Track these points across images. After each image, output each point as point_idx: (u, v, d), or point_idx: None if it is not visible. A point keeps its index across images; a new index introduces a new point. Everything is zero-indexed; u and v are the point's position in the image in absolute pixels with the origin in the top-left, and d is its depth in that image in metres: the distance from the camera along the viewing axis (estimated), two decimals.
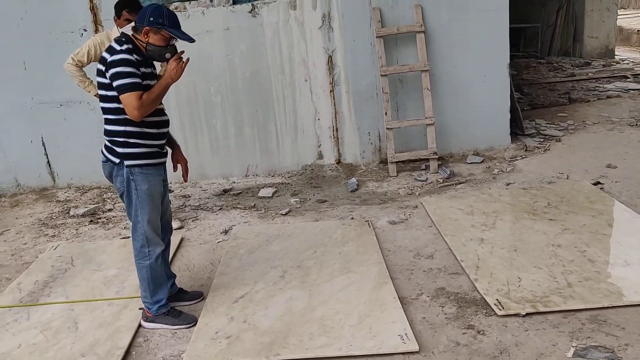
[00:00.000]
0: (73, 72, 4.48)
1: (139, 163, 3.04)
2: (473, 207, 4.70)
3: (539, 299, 3.23)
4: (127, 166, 3.03)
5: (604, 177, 5.16)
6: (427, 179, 5.58)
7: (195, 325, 3.24)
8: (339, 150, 6.07)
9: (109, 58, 2.95)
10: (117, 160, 3.04)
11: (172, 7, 5.70)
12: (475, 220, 4.42)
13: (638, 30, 13.47)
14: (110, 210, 5.40)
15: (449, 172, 5.59)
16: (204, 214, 5.13)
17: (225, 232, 4.68)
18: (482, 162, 5.90)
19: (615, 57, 12.05)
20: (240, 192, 5.64)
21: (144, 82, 2.97)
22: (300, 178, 5.92)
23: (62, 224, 5.14)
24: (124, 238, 4.68)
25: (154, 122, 3.08)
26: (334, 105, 5.94)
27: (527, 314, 3.11)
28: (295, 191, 5.57)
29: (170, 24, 3.00)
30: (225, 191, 5.69)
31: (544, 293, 3.28)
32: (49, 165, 5.98)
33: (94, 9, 5.60)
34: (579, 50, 11.89)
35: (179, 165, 3.43)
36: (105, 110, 3.06)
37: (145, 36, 3.00)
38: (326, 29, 5.77)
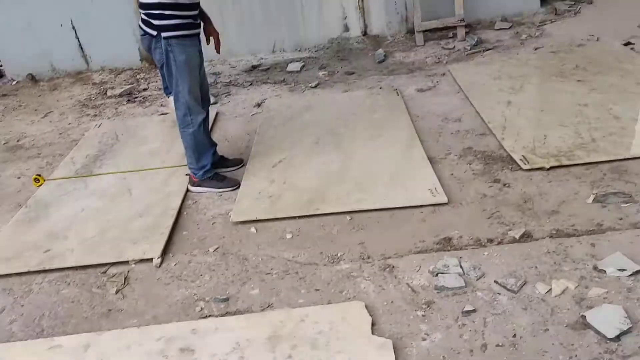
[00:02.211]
0: None
1: (175, 34, 3.15)
2: (501, 72, 4.75)
3: (564, 153, 3.38)
4: (165, 38, 3.14)
5: (635, 37, 5.11)
6: (454, 47, 5.58)
7: (238, 187, 3.50)
8: (364, 21, 6.04)
9: None
10: (154, 33, 3.15)
11: None
12: (503, 84, 4.49)
13: None
14: (145, 89, 5.58)
15: (476, 40, 5.57)
16: (236, 89, 5.27)
17: (258, 105, 4.84)
18: (510, 27, 5.84)
19: None
20: (269, 68, 5.73)
21: None
22: (327, 52, 5.96)
23: (102, 104, 5.35)
24: (162, 114, 4.89)
25: None
26: None
27: (551, 168, 3.28)
28: (323, 65, 5.64)
29: None
30: (254, 67, 5.79)
31: (569, 148, 3.43)
32: (81, 49, 6.10)
33: None
34: None
35: (211, 38, 3.53)
36: None
37: None
38: None
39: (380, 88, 4.85)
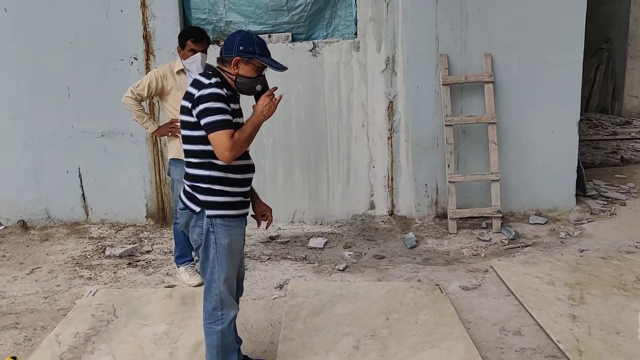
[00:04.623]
0: (131, 106, 4.13)
1: (221, 214, 2.66)
2: (552, 275, 4.28)
3: None
4: (209, 216, 2.64)
5: None
6: (490, 238, 5.17)
7: None
8: (392, 201, 5.68)
9: (197, 93, 2.60)
10: (197, 209, 2.66)
11: None
12: (560, 293, 4.00)
13: None
14: (148, 252, 4.99)
15: (514, 233, 5.18)
16: (252, 263, 4.71)
17: (280, 286, 4.26)
18: (545, 223, 5.50)
19: None
20: (288, 241, 5.23)
21: (234, 120, 2.62)
22: (350, 228, 5.52)
23: (98, 264, 4.72)
24: (169, 287, 4.27)
25: (241, 166, 2.72)
26: (391, 153, 5.58)
27: None
28: (348, 243, 5.16)
29: (262, 51, 2.67)
30: (271, 238, 5.28)
31: None
32: (84, 199, 5.60)
33: (147, 37, 5.30)
34: (617, 108, 11.61)
35: (261, 217, 3.03)
36: (188, 153, 2.69)
37: (235, 67, 2.66)
38: (389, 73, 5.46)
39: (419, 281, 4.32)
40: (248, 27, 5.41)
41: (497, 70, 5.39)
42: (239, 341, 3.03)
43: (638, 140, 9.61)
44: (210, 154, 2.61)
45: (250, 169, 2.79)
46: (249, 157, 2.80)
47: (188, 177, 2.71)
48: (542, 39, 5.35)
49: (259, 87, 2.70)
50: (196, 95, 2.58)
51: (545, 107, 5.48)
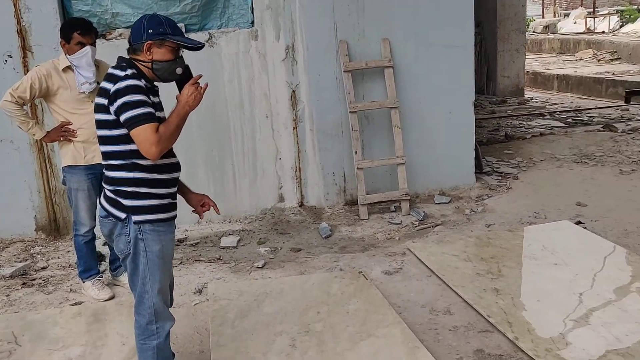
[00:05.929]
0: (12, 111, 3.68)
1: (150, 218, 2.42)
2: (467, 252, 4.40)
3: (598, 359, 2.93)
4: (136, 222, 2.39)
5: (580, 216, 5.08)
6: (401, 221, 5.23)
7: None
8: (301, 192, 5.59)
9: (113, 87, 2.33)
10: (122, 216, 2.39)
11: (116, 34, 5.02)
12: (478, 268, 4.11)
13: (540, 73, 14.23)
14: (44, 268, 4.53)
15: (423, 214, 5.28)
16: None
17: (199, 291, 4.03)
18: (449, 202, 5.66)
19: (525, 95, 12.63)
20: (198, 242, 4.97)
21: (156, 114, 2.39)
22: (261, 223, 5.35)
23: None
24: (76, 304, 3.88)
25: (166, 165, 2.49)
26: (297, 143, 5.48)
27: None
28: (262, 239, 5.00)
29: (173, 31, 2.47)
30: (179, 241, 4.98)
31: (598, 351, 3.00)
32: None
33: (22, 32, 4.78)
34: (492, 88, 12.31)
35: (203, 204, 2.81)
36: (108, 155, 2.41)
37: (149, 53, 2.44)
38: (290, 62, 5.34)
39: (341, 270, 4.27)
40: (137, 18, 5.05)
41: (396, 54, 5.44)
42: (173, 355, 2.80)
43: (515, 117, 10.24)
44: (133, 154, 2.36)
45: (177, 167, 2.57)
46: (174, 155, 2.57)
47: (109, 181, 2.43)
48: (436, 22, 5.46)
49: (179, 70, 2.49)
50: (112, 90, 2.31)
51: (442, 88, 5.62)
